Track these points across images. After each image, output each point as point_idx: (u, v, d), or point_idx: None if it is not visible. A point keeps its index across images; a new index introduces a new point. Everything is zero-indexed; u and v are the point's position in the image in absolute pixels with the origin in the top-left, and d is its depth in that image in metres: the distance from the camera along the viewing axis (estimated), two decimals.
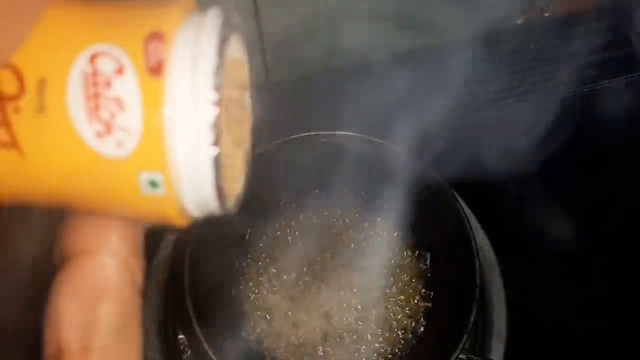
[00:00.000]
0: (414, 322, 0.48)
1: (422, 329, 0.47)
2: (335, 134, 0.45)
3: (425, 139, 0.49)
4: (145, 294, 0.48)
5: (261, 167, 0.44)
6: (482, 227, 0.53)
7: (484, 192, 0.54)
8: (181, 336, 0.49)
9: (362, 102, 0.56)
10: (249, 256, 0.49)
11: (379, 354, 0.47)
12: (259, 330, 0.47)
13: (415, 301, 0.48)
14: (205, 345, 0.39)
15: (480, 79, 0.60)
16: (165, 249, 0.52)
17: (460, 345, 0.39)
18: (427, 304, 0.48)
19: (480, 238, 0.52)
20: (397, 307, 0.48)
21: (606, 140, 0.58)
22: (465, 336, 0.40)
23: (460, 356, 0.44)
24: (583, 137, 0.58)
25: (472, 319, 0.40)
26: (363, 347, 0.47)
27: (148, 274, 0.52)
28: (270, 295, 0.48)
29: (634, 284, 0.54)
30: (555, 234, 0.54)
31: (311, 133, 0.45)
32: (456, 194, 0.43)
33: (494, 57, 0.60)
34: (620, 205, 0.56)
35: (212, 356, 0.39)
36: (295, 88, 0.60)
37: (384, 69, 0.58)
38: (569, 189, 0.57)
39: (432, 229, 0.46)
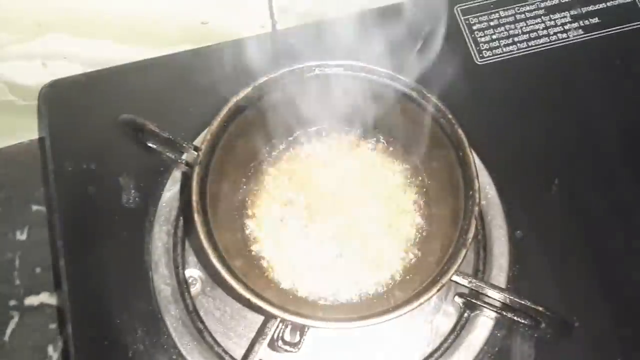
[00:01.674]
0: (413, 245, 0.48)
1: (421, 251, 0.48)
2: (332, 64, 0.45)
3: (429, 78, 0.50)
4: (153, 229, 0.50)
5: (262, 99, 0.45)
6: (485, 167, 0.54)
7: (487, 132, 0.55)
8: (188, 270, 0.51)
9: (368, 50, 0.57)
10: (254, 180, 0.50)
11: (379, 275, 0.48)
12: (267, 253, 0.48)
13: (415, 224, 0.49)
14: (214, 262, 0.40)
15: (485, 26, 0.61)
16: (173, 186, 0.54)
17: (460, 259, 0.40)
18: (426, 227, 0.49)
19: (483, 176, 0.53)
20: (396, 231, 0.49)
21: (604, 87, 0.59)
22: (464, 251, 0.40)
23: (461, 280, 0.45)
24: (583, 83, 0.59)
25: (470, 235, 0.41)
26: (363, 268, 0.48)
27: (157, 210, 0.53)
28: (277, 221, 0.49)
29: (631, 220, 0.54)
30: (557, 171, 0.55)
31: (309, 64, 0.46)
32: (455, 120, 0.44)
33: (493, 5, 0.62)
34: (617, 143, 0.57)
35: (221, 271, 0.40)
36: (301, 37, 0.60)
37: (389, 16, 0.59)
38: (569, 128, 0.57)
39: (432, 152, 0.47)
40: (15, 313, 0.64)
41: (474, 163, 0.43)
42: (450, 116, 0.44)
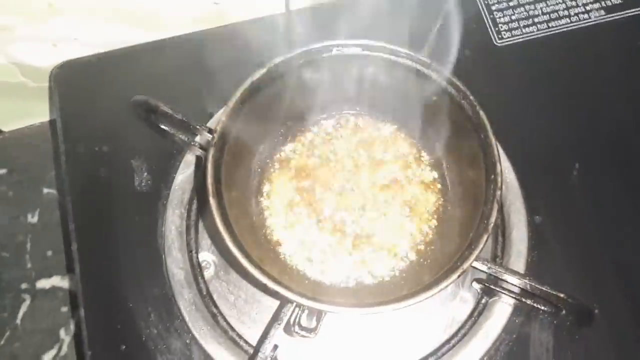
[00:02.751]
0: (431, 229, 0.48)
1: (439, 235, 0.47)
2: (350, 43, 0.44)
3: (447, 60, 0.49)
4: (166, 212, 0.49)
5: (277, 80, 0.44)
6: (504, 151, 0.53)
7: (506, 115, 0.54)
8: (202, 254, 0.50)
9: (384, 31, 0.55)
10: (269, 164, 0.49)
11: (396, 260, 0.47)
12: (282, 238, 0.47)
13: (433, 208, 0.48)
14: (230, 245, 0.39)
15: (504, 7, 0.60)
16: (186, 169, 0.53)
17: (481, 245, 0.39)
18: (444, 211, 0.48)
19: (502, 160, 0.52)
20: (413, 214, 0.48)
21: (627, 69, 0.58)
22: (485, 236, 0.39)
23: (480, 266, 0.44)
24: (605, 65, 0.58)
25: (492, 220, 0.40)
26: (380, 252, 0.47)
27: (170, 193, 0.52)
28: (292, 204, 0.48)
29: None
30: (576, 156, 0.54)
31: (327, 43, 0.45)
32: (477, 102, 0.43)
33: None
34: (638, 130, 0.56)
35: (238, 256, 0.39)
36: (315, 18, 0.59)
37: None
38: (590, 112, 0.56)
39: (451, 135, 0.46)
40: (27, 296, 0.64)
41: (497, 146, 0.42)
42: (472, 98, 0.43)
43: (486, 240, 0.40)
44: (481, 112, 0.42)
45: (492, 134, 0.42)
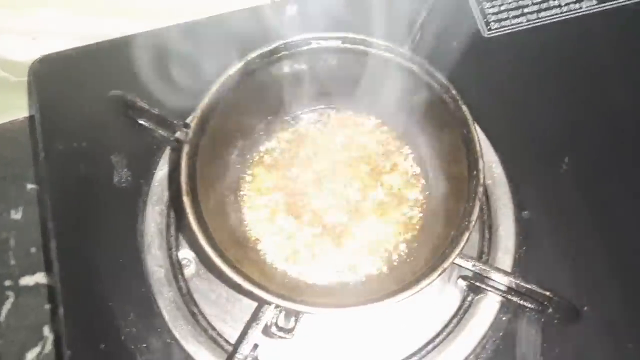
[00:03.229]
0: (415, 226, 0.47)
1: (423, 232, 0.46)
2: (330, 36, 0.43)
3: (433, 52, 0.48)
4: (146, 209, 0.48)
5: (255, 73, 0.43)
6: (492, 145, 0.52)
7: (495, 108, 0.53)
8: (182, 252, 0.49)
9: (369, 22, 0.54)
10: (248, 160, 0.49)
11: (379, 258, 0.46)
12: (261, 236, 0.47)
13: (417, 204, 0.47)
14: (203, 243, 0.39)
15: None
16: (166, 165, 0.52)
17: (462, 243, 0.38)
18: (428, 207, 0.47)
19: (489, 154, 0.51)
20: (397, 211, 0.47)
21: (618, 61, 0.57)
22: (466, 234, 0.38)
23: (465, 264, 0.43)
24: (596, 57, 0.57)
25: (474, 217, 0.39)
26: (362, 250, 0.46)
27: (149, 189, 0.51)
28: (272, 202, 0.47)
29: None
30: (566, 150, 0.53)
31: (305, 36, 0.44)
32: (459, 96, 0.42)
33: None
34: (631, 120, 0.54)
35: (211, 254, 0.38)
36: (300, 9, 0.58)
37: None
38: (580, 104, 0.55)
39: (435, 130, 0.45)
40: (10, 293, 0.63)
41: (479, 142, 0.40)
42: (454, 92, 0.41)
43: (467, 239, 0.39)
44: (463, 107, 0.41)
45: (475, 129, 0.41)
